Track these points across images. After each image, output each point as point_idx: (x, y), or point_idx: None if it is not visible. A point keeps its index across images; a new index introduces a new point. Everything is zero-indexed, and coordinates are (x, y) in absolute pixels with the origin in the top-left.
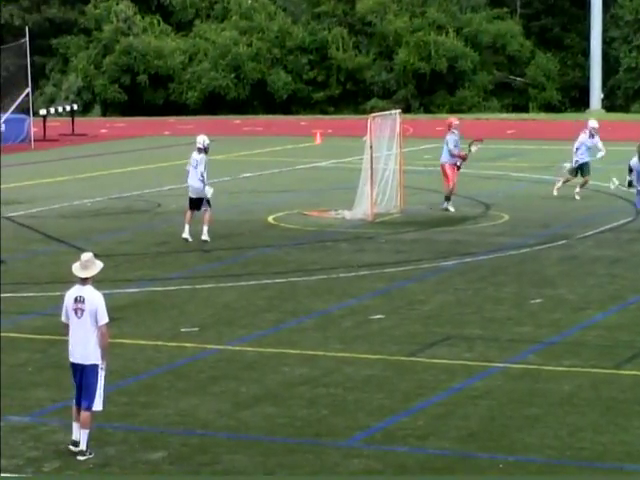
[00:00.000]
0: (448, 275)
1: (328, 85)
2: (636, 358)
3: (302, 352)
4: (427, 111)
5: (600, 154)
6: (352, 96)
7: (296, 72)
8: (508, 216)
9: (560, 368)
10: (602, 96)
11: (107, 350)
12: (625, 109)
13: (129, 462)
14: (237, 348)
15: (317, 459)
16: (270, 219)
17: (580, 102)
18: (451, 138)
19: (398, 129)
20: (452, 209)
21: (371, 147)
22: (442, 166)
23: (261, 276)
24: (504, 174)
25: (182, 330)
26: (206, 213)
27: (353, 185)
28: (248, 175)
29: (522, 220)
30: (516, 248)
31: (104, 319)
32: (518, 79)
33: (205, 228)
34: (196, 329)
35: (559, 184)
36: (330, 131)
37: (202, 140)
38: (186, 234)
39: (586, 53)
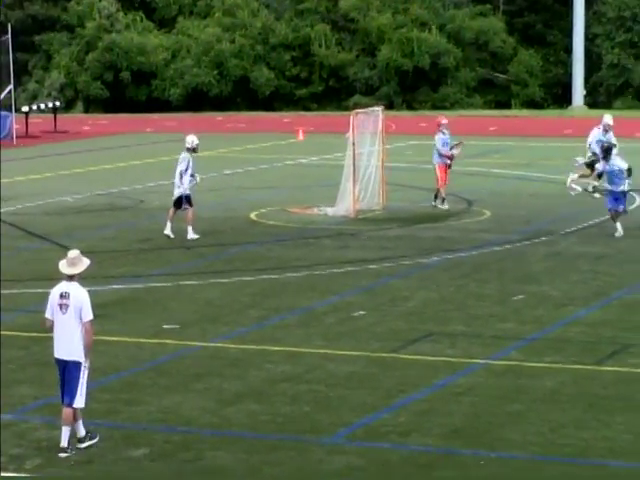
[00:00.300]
0: (431, 272)
1: (311, 82)
2: (618, 354)
3: (285, 349)
4: (410, 108)
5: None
6: (335, 93)
7: (279, 69)
8: (491, 212)
9: (543, 364)
10: (584, 93)
11: (91, 347)
12: (607, 105)
13: (111, 459)
14: (220, 345)
15: (300, 456)
16: (253, 216)
17: (563, 99)
18: (439, 138)
19: (381, 126)
20: (442, 206)
21: (354, 144)
22: (440, 168)
23: (244, 273)
24: (487, 171)
25: (165, 327)
26: (188, 212)
27: (336, 182)
28: (231, 172)
29: (505, 216)
30: (499, 244)
31: (89, 316)
32: (501, 76)
33: (189, 228)
34: (178, 326)
35: (574, 176)
36: (313, 128)
37: (190, 140)
38: (167, 230)
39: (569, 50)
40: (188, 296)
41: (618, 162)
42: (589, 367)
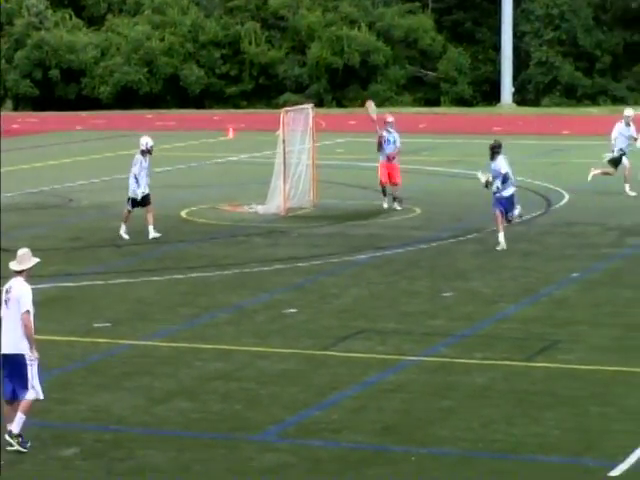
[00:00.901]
0: (362, 269)
1: (241, 79)
2: (547, 350)
3: (216, 347)
4: (340, 105)
5: (638, 143)
6: (265, 90)
7: (209, 66)
8: (421, 210)
9: (473, 361)
10: (513, 90)
11: (32, 339)
12: (536, 103)
13: (42, 459)
14: (151, 343)
15: (231, 454)
16: (183, 214)
17: (491, 96)
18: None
19: (311, 123)
20: (384, 204)
21: (284, 141)
22: (381, 165)
23: (175, 271)
24: (417, 168)
25: (95, 325)
26: (125, 211)
27: (266, 180)
28: (161, 170)
29: (435, 214)
30: (429, 242)
31: (25, 307)
32: (430, 73)
33: (123, 225)
34: (109, 324)
35: (596, 171)
36: (243, 125)
37: (144, 142)
38: (152, 234)
39: (497, 47)
40: (119, 294)
41: (500, 164)
42: (519, 363)
